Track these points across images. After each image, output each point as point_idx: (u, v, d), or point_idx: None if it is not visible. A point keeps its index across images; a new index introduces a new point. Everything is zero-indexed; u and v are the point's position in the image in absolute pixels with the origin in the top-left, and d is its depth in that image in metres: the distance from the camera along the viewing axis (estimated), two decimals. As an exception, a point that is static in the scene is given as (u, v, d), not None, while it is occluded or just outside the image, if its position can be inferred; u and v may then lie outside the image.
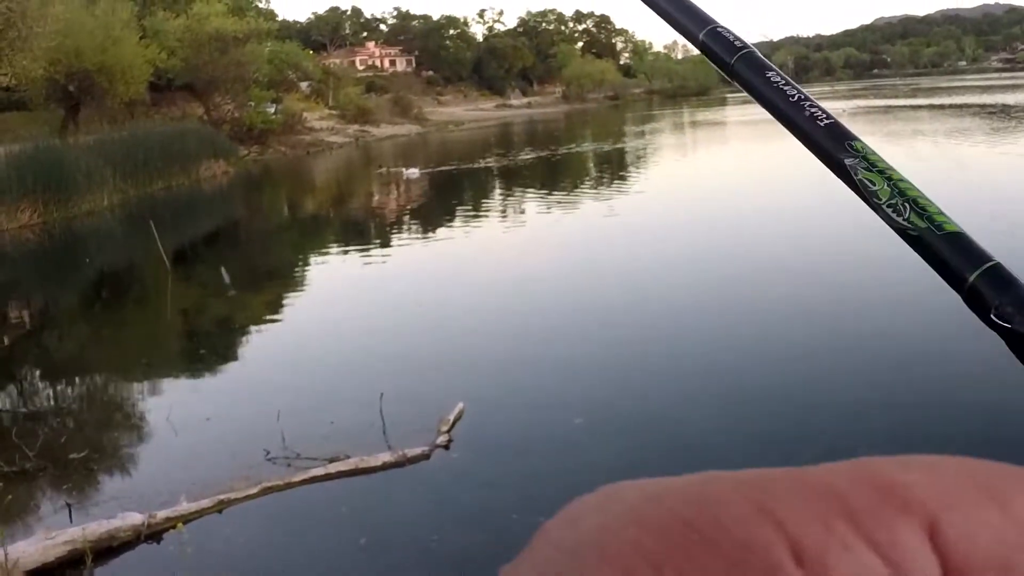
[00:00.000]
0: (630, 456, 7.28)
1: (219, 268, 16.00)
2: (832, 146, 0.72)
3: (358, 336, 11.96)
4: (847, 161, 0.71)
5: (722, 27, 0.85)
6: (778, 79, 0.78)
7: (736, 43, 0.83)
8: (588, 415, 8.19)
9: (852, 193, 0.71)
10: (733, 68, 0.82)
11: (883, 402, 8.15)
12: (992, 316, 0.60)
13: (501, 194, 29.34)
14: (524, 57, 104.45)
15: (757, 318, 11.16)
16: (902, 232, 0.67)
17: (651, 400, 8.63)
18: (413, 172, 33.55)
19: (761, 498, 0.23)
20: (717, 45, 0.84)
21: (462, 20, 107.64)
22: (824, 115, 0.74)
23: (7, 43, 31.25)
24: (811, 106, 0.75)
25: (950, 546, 0.23)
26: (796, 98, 0.76)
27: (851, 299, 11.89)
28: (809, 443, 7.30)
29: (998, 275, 0.62)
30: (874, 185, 0.69)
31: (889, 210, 0.67)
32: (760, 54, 0.81)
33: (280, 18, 76.52)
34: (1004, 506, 0.23)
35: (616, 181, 30.07)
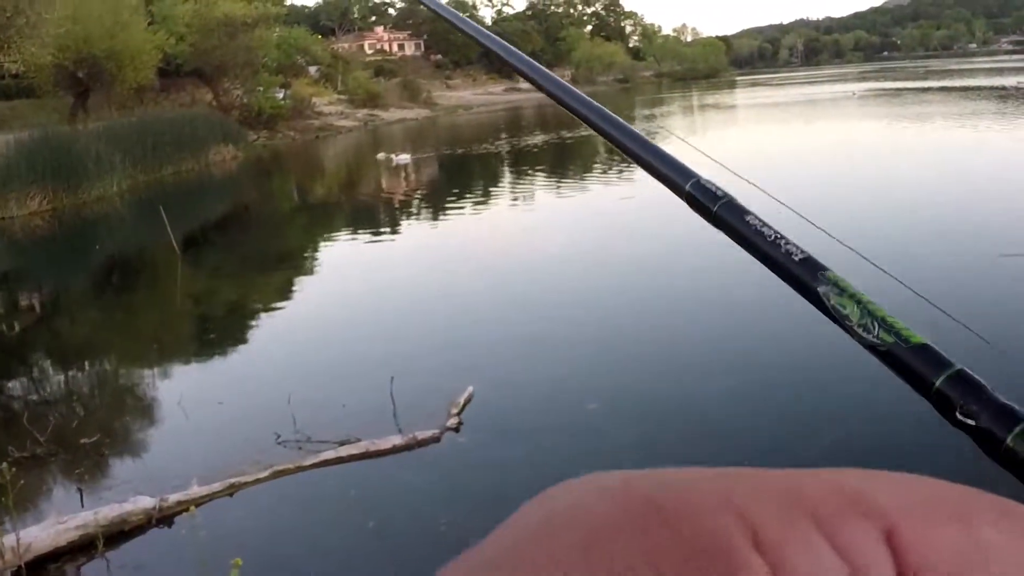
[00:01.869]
0: (644, 443, 7.24)
1: (228, 253, 15.98)
2: (807, 277, 0.80)
3: (368, 320, 11.96)
4: (820, 289, 0.78)
5: (705, 179, 0.95)
6: (756, 221, 0.86)
7: (717, 192, 0.92)
8: (603, 400, 8.15)
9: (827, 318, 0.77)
10: (716, 213, 0.90)
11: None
12: (957, 415, 0.67)
13: (511, 178, 29.30)
14: (533, 41, 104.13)
15: (782, 301, 10.84)
16: (872, 348, 0.73)
17: (669, 387, 8.56)
18: (403, 158, 33.67)
19: (728, 490, 0.24)
20: (701, 194, 0.93)
21: (471, 4, 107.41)
22: (798, 251, 0.82)
23: (15, 30, 31.27)
24: (787, 243, 0.83)
25: (906, 551, 0.23)
26: (773, 237, 0.84)
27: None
28: (815, 437, 7.28)
29: (962, 378, 0.68)
30: (845, 308, 0.76)
31: (860, 329, 0.74)
32: (738, 201, 0.90)
33: (288, 3, 76.39)
34: (965, 524, 0.24)
35: (628, 164, 29.96)
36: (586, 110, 1.18)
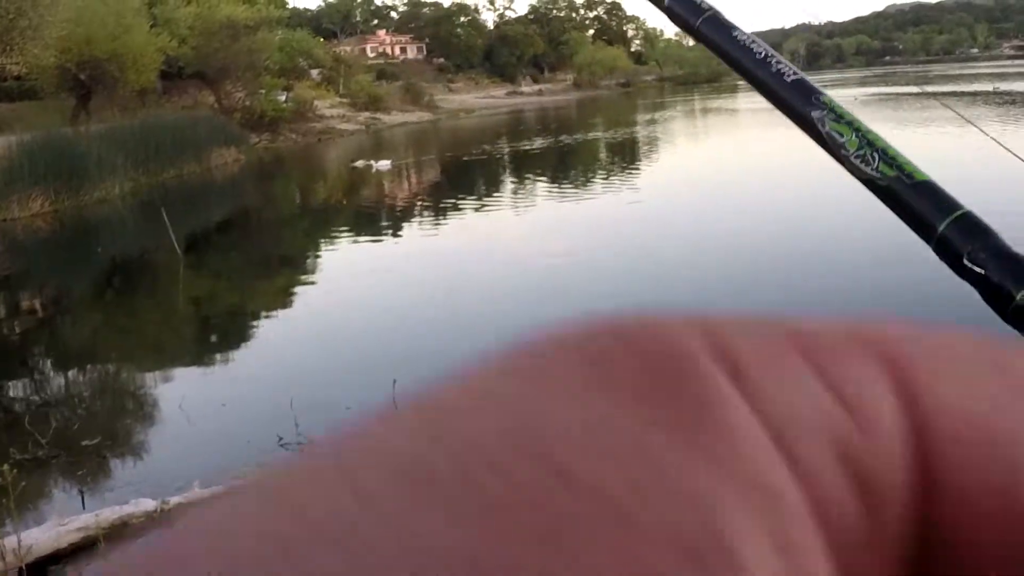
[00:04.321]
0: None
1: (229, 256, 15.94)
2: (799, 101, 0.73)
3: (370, 322, 11.94)
4: (814, 114, 0.71)
5: None
6: (744, 37, 0.80)
7: (701, 5, 0.85)
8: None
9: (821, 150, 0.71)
10: (699, 29, 0.84)
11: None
12: (965, 262, 0.61)
13: (513, 181, 29.25)
14: (535, 44, 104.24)
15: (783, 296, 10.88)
16: (870, 183, 0.67)
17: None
18: (384, 164, 33.56)
19: (708, 325, 0.20)
20: (682, 8, 0.86)
21: (473, 7, 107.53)
22: (791, 71, 0.75)
23: (18, 32, 31.29)
24: (778, 62, 0.76)
25: (920, 392, 0.19)
26: (763, 55, 0.77)
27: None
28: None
29: (970, 222, 0.62)
30: (842, 137, 0.69)
31: (857, 160, 0.68)
32: (723, 15, 0.83)
33: (291, 6, 76.44)
34: (997, 367, 0.20)
35: (630, 169, 29.99)
36: None
